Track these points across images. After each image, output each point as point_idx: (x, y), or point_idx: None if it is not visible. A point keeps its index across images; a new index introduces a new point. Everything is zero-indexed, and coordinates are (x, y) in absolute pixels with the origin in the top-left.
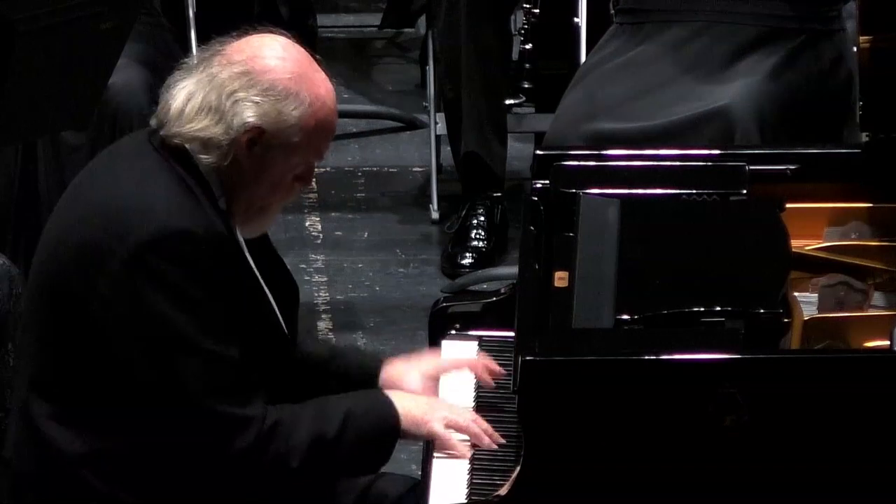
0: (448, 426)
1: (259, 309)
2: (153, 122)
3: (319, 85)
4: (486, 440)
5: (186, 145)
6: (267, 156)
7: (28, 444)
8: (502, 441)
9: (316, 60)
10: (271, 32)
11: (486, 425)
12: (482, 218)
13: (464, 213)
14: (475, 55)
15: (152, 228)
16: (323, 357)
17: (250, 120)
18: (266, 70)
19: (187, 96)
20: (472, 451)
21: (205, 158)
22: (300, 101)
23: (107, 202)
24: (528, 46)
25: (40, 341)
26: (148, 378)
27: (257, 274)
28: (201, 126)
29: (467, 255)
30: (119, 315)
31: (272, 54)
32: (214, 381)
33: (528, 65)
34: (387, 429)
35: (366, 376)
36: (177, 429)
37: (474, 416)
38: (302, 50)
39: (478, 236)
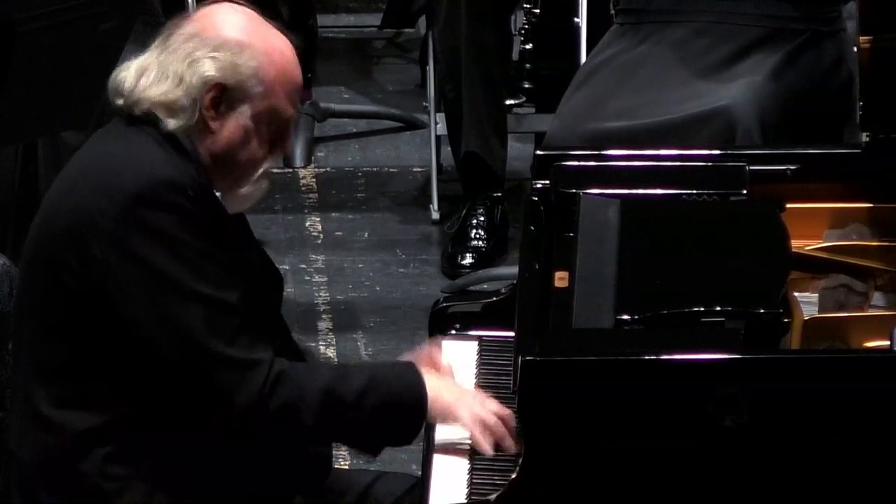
0: (475, 420)
1: (248, 258)
2: (111, 98)
3: (273, 37)
4: (508, 444)
5: (153, 112)
6: (233, 113)
7: (33, 431)
8: (514, 451)
9: (271, 23)
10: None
11: (511, 426)
12: (482, 218)
13: (464, 213)
14: (475, 55)
15: (140, 182)
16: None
17: (208, 74)
18: (216, 27)
19: (140, 68)
20: (471, 451)
21: (172, 122)
22: (255, 51)
23: (90, 170)
24: (529, 46)
25: (40, 324)
26: (151, 333)
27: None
28: (162, 91)
29: (467, 255)
30: (118, 273)
31: (221, 13)
32: (217, 326)
33: (528, 65)
34: (413, 402)
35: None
36: (183, 379)
37: (502, 414)
38: (251, 10)
39: (478, 236)
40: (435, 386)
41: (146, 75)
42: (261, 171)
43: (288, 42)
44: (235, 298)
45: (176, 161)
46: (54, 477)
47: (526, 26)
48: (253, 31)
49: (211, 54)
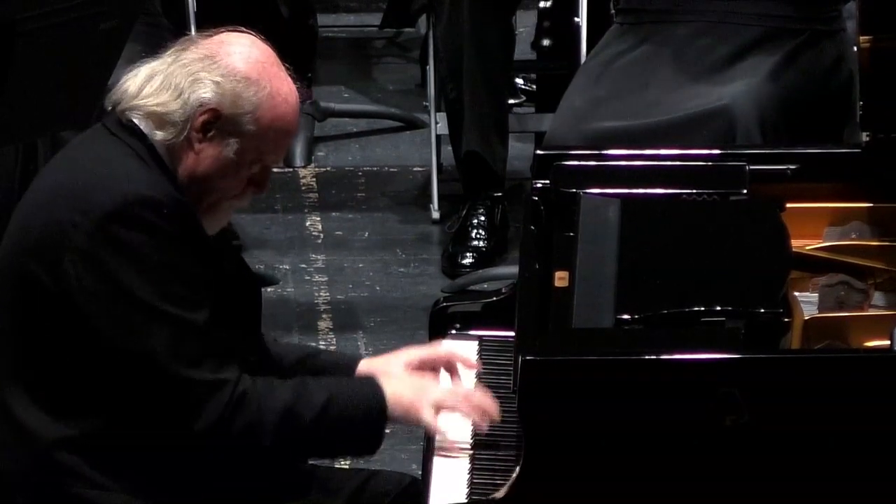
0: (439, 409)
1: (224, 270)
2: (107, 102)
3: (282, 81)
4: (481, 416)
5: (140, 124)
6: (220, 142)
7: (10, 439)
8: (496, 418)
9: (286, 68)
10: (243, 31)
11: (480, 399)
12: (482, 218)
13: (464, 212)
14: (477, 54)
15: (115, 198)
16: (295, 358)
17: (206, 96)
18: (230, 55)
19: (149, 75)
20: (471, 451)
21: (159, 135)
22: (259, 89)
23: (66, 183)
24: (546, 42)
25: (13, 331)
26: (119, 348)
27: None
28: (159, 101)
29: (468, 254)
30: (88, 288)
31: (240, 44)
32: (181, 348)
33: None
34: (373, 413)
35: (341, 374)
36: (148, 399)
37: (470, 391)
38: (270, 50)
39: (478, 236)
40: (394, 391)
41: (151, 83)
42: (227, 204)
43: (295, 92)
44: (203, 319)
45: (153, 177)
46: (32, 487)
47: (546, 23)
48: (264, 70)
49: (216, 79)
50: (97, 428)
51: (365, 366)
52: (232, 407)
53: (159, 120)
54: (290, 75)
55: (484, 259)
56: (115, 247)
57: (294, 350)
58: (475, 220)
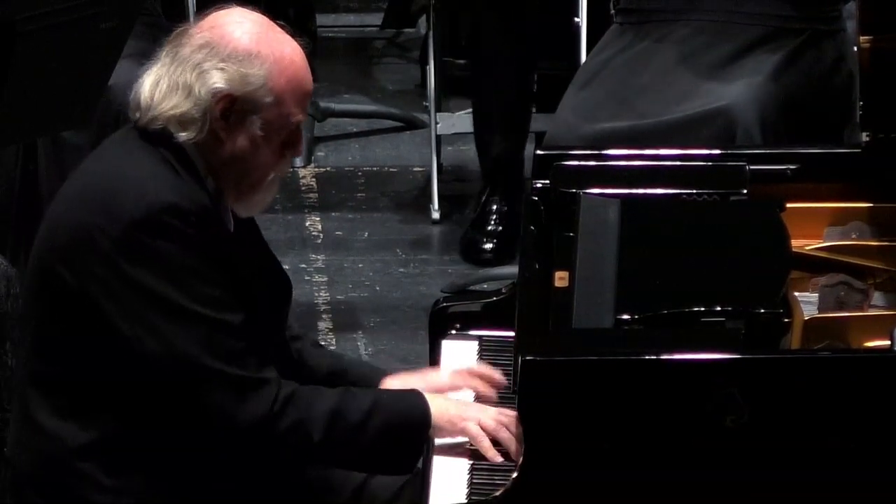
0: (482, 428)
1: (254, 273)
2: (130, 116)
3: (283, 43)
4: (511, 449)
5: (166, 127)
6: (244, 123)
7: (29, 441)
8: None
9: (280, 26)
10: (230, 5)
11: (514, 432)
12: (502, 202)
13: (483, 199)
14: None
15: (141, 205)
16: (322, 373)
17: (216, 85)
18: (225, 36)
19: (154, 81)
20: (471, 451)
21: (184, 136)
22: (263, 61)
23: (95, 186)
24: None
25: (39, 333)
26: (154, 353)
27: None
28: (173, 104)
29: (486, 240)
30: (114, 293)
31: (230, 21)
32: (220, 347)
33: None
34: (417, 421)
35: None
36: (186, 400)
37: (506, 419)
38: (261, 15)
39: (497, 221)
40: (439, 404)
41: (158, 88)
42: (272, 176)
43: (297, 47)
44: (236, 320)
45: (182, 183)
46: (48, 487)
47: None
48: (262, 39)
49: (220, 65)
50: (116, 434)
51: (388, 383)
52: (281, 403)
53: (178, 122)
54: (286, 31)
55: (504, 244)
56: (139, 254)
57: (322, 364)
58: (495, 206)
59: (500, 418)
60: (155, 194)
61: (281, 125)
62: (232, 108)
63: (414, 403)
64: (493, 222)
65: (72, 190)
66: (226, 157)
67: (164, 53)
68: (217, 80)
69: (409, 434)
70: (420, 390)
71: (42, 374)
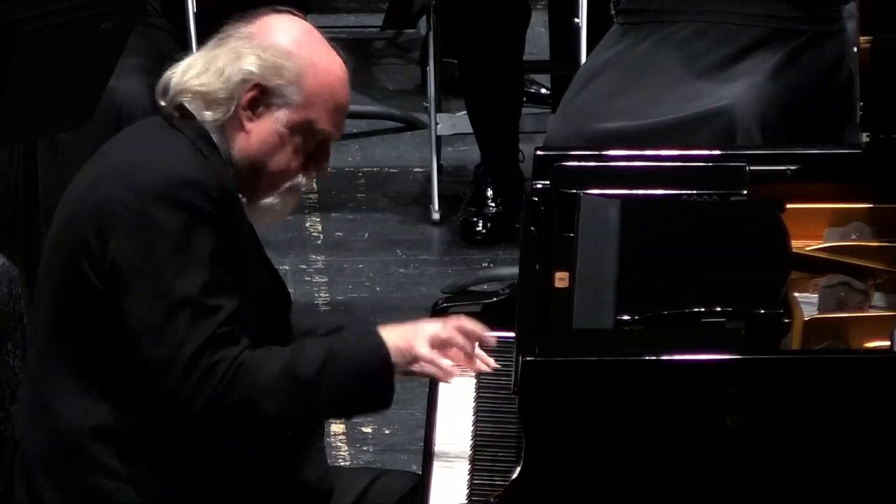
0: (433, 345)
1: (260, 267)
2: (157, 96)
3: (325, 52)
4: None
5: (189, 107)
6: (270, 115)
7: (40, 421)
8: (492, 342)
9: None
10: (283, 10)
11: (472, 327)
12: (498, 179)
13: (479, 175)
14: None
15: (163, 179)
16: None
17: (249, 69)
18: (270, 32)
19: (189, 64)
20: (471, 451)
21: (208, 115)
22: (301, 59)
23: (119, 164)
24: None
25: (57, 313)
26: (139, 327)
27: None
28: (204, 81)
29: (480, 220)
30: (126, 263)
31: (279, 23)
32: (197, 332)
33: None
34: (376, 361)
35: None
36: (153, 379)
37: (460, 322)
38: (311, 26)
39: (492, 198)
40: (390, 339)
41: (193, 67)
42: (289, 184)
43: (340, 62)
44: (233, 306)
45: (206, 164)
46: (56, 469)
47: None
48: (305, 43)
49: (256, 52)
50: (126, 419)
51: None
52: (225, 384)
53: (205, 100)
54: (333, 47)
55: (500, 223)
56: (161, 225)
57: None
58: (490, 189)
59: (447, 322)
60: (177, 169)
61: (306, 129)
62: (260, 97)
63: (369, 345)
64: (488, 202)
65: (95, 170)
66: (247, 148)
67: (208, 45)
68: (250, 65)
69: (371, 380)
70: (377, 330)
71: (56, 356)
